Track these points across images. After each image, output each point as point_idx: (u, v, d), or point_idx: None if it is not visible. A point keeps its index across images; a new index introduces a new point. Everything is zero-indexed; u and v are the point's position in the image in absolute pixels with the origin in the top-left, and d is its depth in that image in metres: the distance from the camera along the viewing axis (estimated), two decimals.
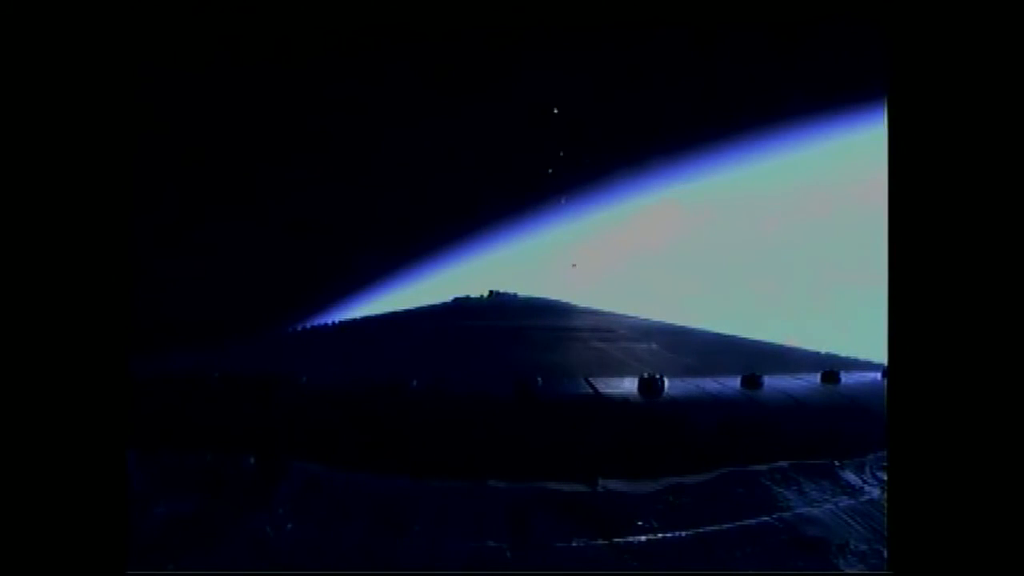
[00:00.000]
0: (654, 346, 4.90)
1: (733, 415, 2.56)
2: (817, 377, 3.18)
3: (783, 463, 2.09)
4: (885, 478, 2.03)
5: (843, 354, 4.50)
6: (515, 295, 10.34)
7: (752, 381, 2.87)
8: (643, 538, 1.62)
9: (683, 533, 1.64)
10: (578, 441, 2.32)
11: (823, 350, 4.77)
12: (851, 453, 2.22)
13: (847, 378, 3.17)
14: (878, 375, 3.37)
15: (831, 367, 3.25)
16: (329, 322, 8.27)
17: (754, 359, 4.25)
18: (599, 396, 2.66)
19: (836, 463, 2.13)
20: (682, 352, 4.74)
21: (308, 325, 8.75)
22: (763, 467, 2.06)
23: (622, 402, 2.60)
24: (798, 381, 3.12)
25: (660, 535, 1.63)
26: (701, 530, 1.66)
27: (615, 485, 1.93)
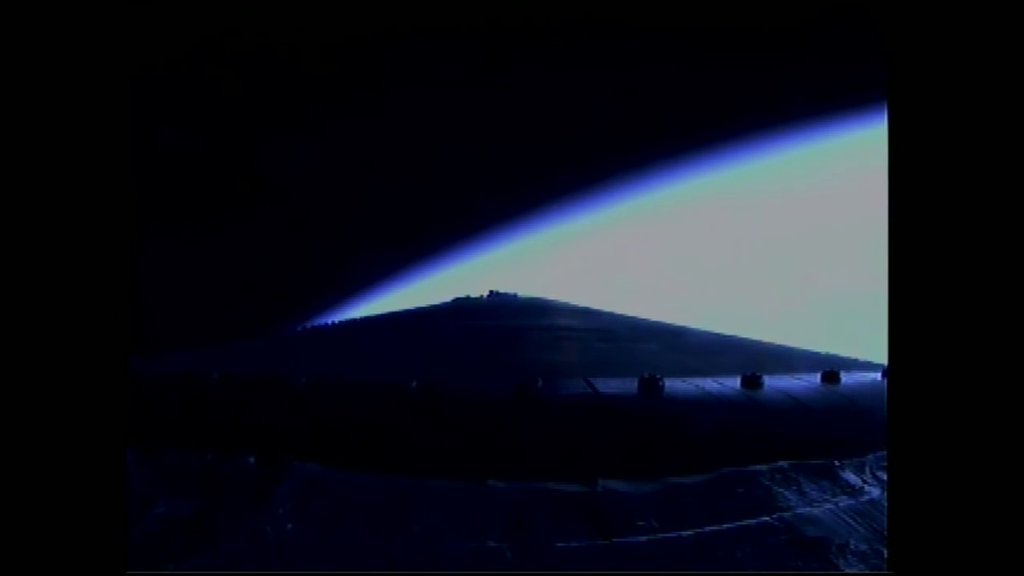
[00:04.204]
0: (654, 346, 4.90)
1: (733, 415, 2.56)
2: (817, 377, 3.17)
3: (783, 463, 2.09)
4: (885, 478, 2.03)
5: (843, 354, 4.50)
6: (515, 295, 10.31)
7: (752, 381, 2.86)
8: (643, 538, 1.62)
9: (683, 533, 1.64)
10: (578, 441, 2.31)
11: (823, 350, 4.77)
12: (851, 453, 2.21)
13: (847, 378, 3.17)
14: (878, 375, 3.37)
15: (831, 367, 3.25)
16: (329, 322, 8.26)
17: (754, 359, 4.24)
18: (599, 396, 2.66)
19: (836, 463, 2.13)
20: (682, 352, 4.73)
21: (308, 325, 8.74)
22: (763, 467, 2.06)
23: (622, 402, 2.60)
24: (798, 381, 3.12)
25: (660, 535, 1.63)
26: (701, 530, 1.66)
27: (615, 485, 1.93)
